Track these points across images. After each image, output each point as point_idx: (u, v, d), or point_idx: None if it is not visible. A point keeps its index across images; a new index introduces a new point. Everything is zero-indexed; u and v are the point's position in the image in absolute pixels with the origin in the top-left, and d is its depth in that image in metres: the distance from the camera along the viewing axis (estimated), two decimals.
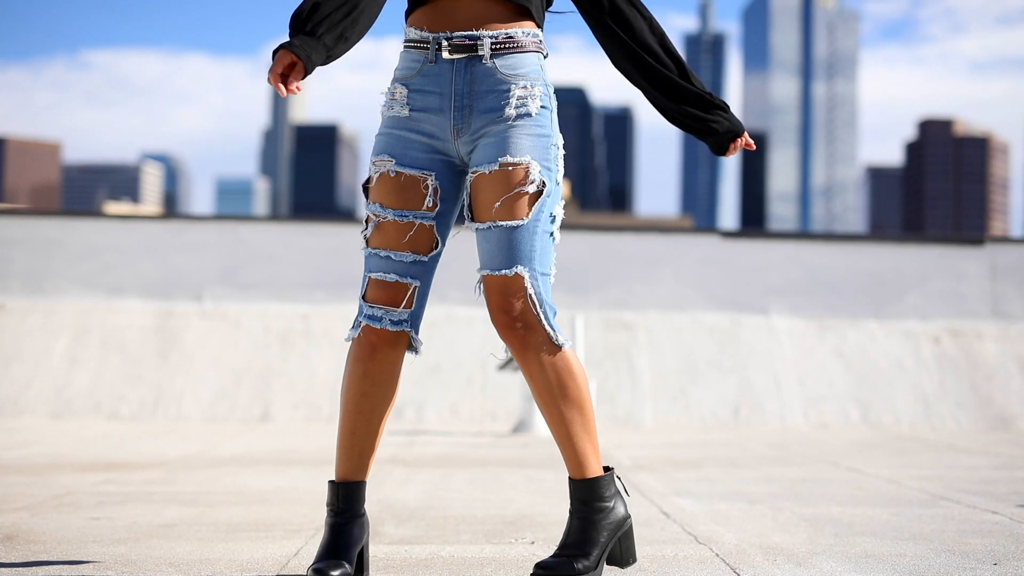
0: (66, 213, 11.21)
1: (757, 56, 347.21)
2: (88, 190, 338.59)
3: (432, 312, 10.51)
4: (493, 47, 2.85)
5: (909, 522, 3.99)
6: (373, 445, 2.98)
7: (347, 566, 2.81)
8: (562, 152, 2.92)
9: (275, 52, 2.78)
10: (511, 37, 2.87)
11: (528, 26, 2.90)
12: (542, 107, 2.88)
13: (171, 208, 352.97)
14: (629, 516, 2.93)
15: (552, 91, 2.93)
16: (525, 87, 2.86)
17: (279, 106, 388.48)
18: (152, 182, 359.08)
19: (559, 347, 2.83)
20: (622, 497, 2.93)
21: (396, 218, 2.85)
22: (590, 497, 2.87)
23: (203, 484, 5.07)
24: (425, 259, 2.88)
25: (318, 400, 9.67)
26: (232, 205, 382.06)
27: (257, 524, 3.87)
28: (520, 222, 2.81)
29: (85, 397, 9.54)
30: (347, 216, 12.57)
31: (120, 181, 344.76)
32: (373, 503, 4.41)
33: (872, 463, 6.35)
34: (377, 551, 3.33)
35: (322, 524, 3.84)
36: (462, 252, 10.99)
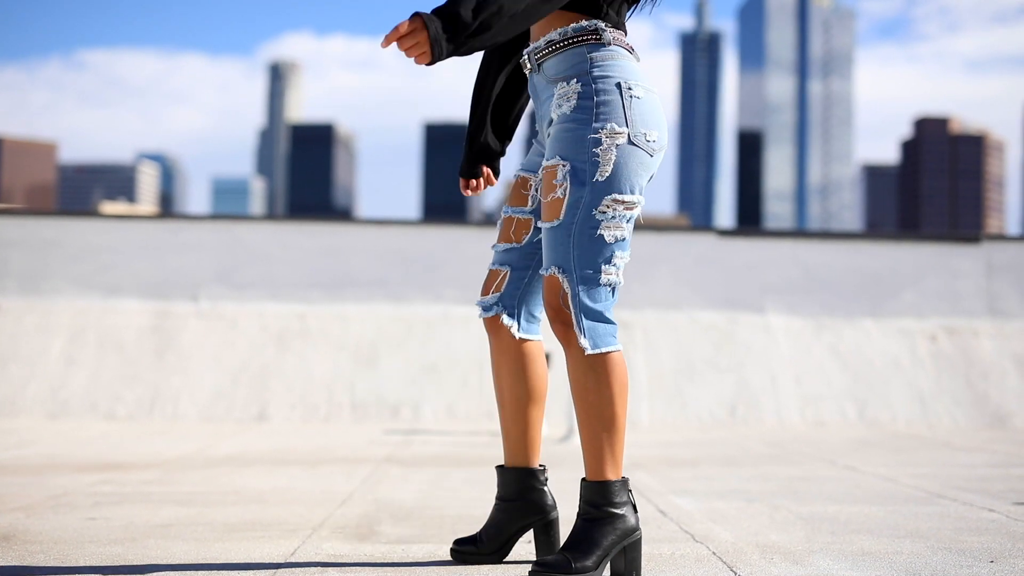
0: (62, 213, 11.20)
1: (753, 55, 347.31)
2: (84, 190, 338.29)
3: (428, 311, 10.51)
4: (536, 59, 2.96)
5: (906, 520, 3.99)
6: (512, 431, 3.10)
7: (475, 544, 3.10)
8: (615, 141, 2.81)
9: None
10: (550, 42, 2.92)
11: (572, 21, 2.89)
12: (580, 101, 2.85)
13: (167, 208, 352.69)
14: (639, 529, 2.90)
15: (601, 81, 2.84)
16: (563, 86, 2.89)
17: (275, 105, 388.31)
18: (148, 182, 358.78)
19: (584, 350, 2.83)
20: (634, 509, 2.91)
21: (502, 215, 3.13)
22: (599, 500, 2.85)
23: (200, 484, 5.07)
24: (519, 245, 3.06)
25: (315, 400, 9.66)
26: (228, 205, 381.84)
27: (254, 524, 3.87)
28: (551, 224, 2.85)
29: (82, 397, 9.54)
30: (343, 216, 12.54)
31: (116, 181, 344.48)
32: (369, 502, 4.41)
33: (869, 461, 6.36)
34: (374, 550, 3.33)
35: (318, 523, 3.84)
36: (458, 252, 11.02)
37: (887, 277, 11.01)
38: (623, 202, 2.83)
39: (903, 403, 10.00)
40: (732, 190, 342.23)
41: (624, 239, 2.86)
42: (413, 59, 2.59)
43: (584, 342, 2.83)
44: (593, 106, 2.83)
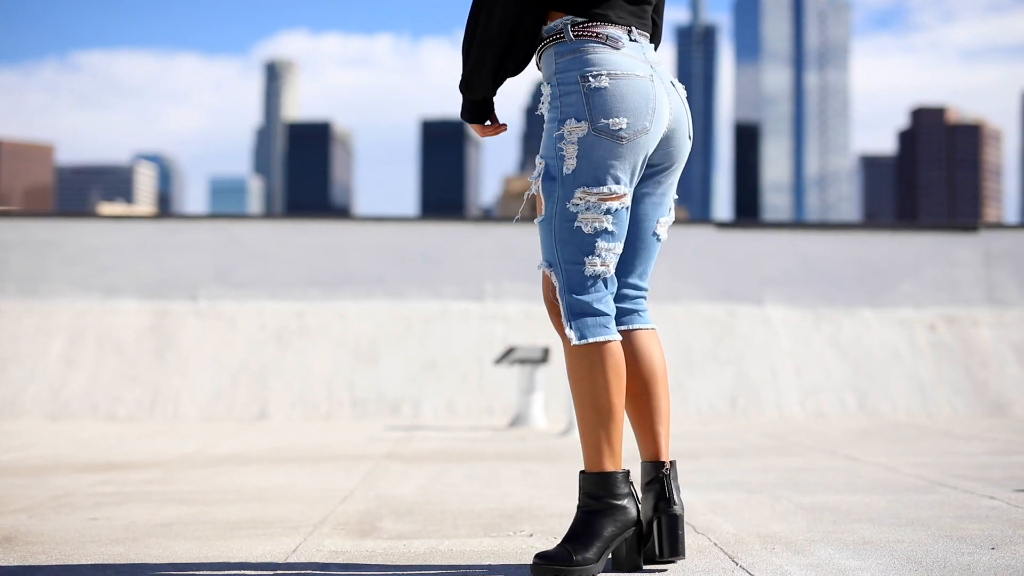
0: (60, 215, 11.20)
1: (749, 47, 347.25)
2: (82, 191, 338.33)
3: (427, 308, 10.51)
4: (536, 63, 3.00)
5: (906, 508, 3.99)
6: (642, 426, 3.02)
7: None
8: (576, 135, 2.82)
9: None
10: (539, 43, 2.96)
11: (552, 21, 2.92)
12: (551, 102, 2.89)
13: (165, 208, 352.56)
14: (640, 522, 2.90)
15: (564, 80, 2.86)
16: (543, 88, 2.95)
17: (271, 104, 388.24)
18: (145, 182, 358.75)
19: (569, 341, 2.84)
20: (636, 502, 2.91)
21: None
22: (598, 492, 2.85)
23: (201, 483, 5.07)
24: None
25: (315, 397, 9.67)
26: (226, 204, 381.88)
27: (255, 522, 3.87)
28: (538, 220, 2.92)
29: (82, 398, 9.54)
30: (341, 213, 12.50)
31: (113, 182, 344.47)
32: (370, 499, 4.41)
33: (869, 451, 6.36)
34: (376, 546, 3.33)
35: (320, 521, 3.85)
36: (456, 248, 11.00)
37: (886, 267, 11.01)
38: (594, 193, 2.84)
39: (903, 393, 10.00)
40: (730, 182, 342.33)
41: (607, 230, 2.85)
42: (504, 132, 3.05)
43: (570, 333, 2.84)
44: (559, 105, 2.88)
